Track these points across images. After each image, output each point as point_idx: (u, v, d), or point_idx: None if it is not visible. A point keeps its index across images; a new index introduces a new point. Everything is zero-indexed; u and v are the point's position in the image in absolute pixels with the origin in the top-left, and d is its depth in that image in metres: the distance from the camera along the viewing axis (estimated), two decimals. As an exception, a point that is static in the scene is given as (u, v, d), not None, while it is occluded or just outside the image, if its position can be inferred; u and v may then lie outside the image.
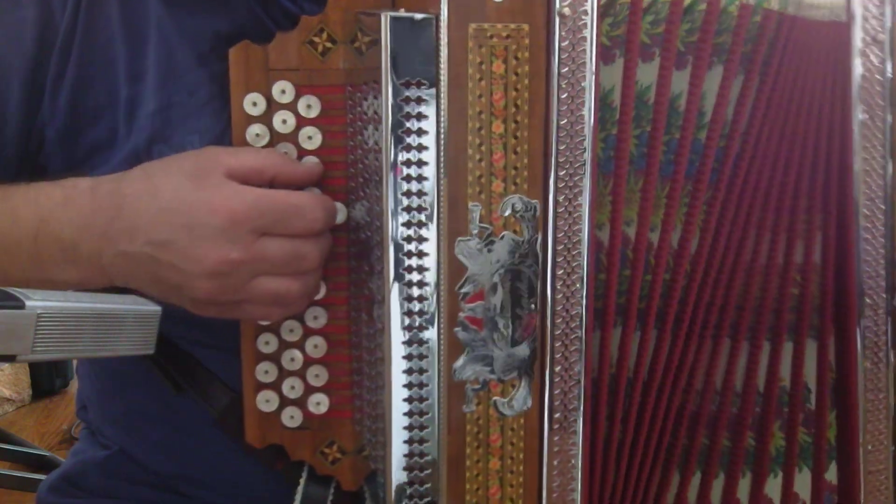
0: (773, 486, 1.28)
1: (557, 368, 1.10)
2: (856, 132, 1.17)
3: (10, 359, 0.83)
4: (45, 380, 3.77)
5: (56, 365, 3.73)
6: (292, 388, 1.16)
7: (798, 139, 1.16)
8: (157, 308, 1.00)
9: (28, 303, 0.82)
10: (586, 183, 1.07)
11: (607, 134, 1.13)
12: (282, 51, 1.10)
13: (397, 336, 1.07)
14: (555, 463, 1.12)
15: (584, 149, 1.07)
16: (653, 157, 1.14)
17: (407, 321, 1.07)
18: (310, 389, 1.16)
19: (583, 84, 1.06)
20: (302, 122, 1.11)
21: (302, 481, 1.19)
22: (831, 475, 1.28)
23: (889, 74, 1.16)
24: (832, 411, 1.26)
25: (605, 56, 1.11)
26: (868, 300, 1.20)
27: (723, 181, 1.15)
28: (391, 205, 1.05)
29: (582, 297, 1.09)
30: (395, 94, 1.03)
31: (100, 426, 1.40)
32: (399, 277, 1.06)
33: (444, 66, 1.03)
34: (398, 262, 1.06)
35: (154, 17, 1.15)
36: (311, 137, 1.11)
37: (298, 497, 1.19)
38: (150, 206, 1.01)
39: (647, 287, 1.17)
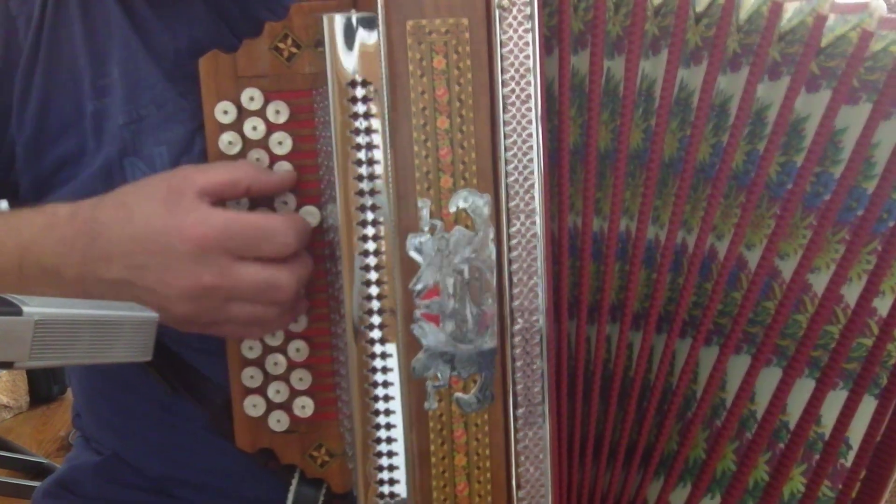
0: None
1: (519, 363, 1.09)
2: None
3: (7, 366, 0.82)
4: (43, 387, 3.84)
5: (54, 372, 3.79)
6: (277, 392, 1.17)
7: None
8: (155, 315, 1.01)
9: (25, 309, 0.81)
10: (537, 176, 1.06)
11: (717, 140, 1.12)
12: (249, 58, 1.12)
13: (358, 337, 1.08)
14: (522, 459, 1.11)
15: (533, 144, 1.06)
16: (760, 175, 1.11)
17: (368, 320, 1.08)
18: (294, 393, 1.17)
19: (528, 77, 1.05)
20: (272, 127, 1.12)
21: (293, 483, 1.20)
22: None
23: None
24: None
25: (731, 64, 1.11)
26: None
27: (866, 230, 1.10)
28: (345, 205, 1.06)
29: (539, 290, 1.08)
30: (342, 94, 1.04)
31: (93, 431, 1.43)
32: (358, 277, 1.07)
33: (384, 64, 1.04)
34: (355, 262, 1.06)
35: (118, 35, 1.18)
36: (282, 143, 1.12)
37: (290, 499, 1.20)
38: (124, 232, 1.04)
39: (704, 296, 1.16)
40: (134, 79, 1.18)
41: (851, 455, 1.18)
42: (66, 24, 1.19)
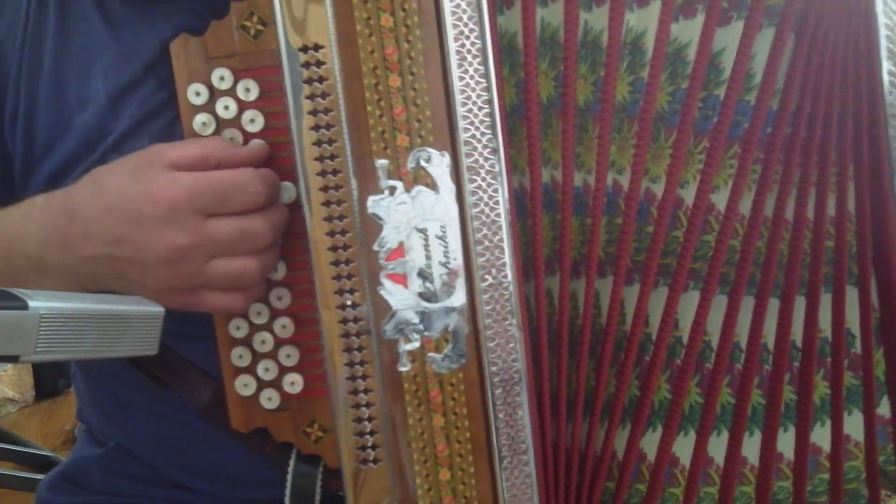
0: (822, 434, 1.23)
1: (490, 321, 1.08)
2: (885, 82, 1.12)
3: (13, 359, 0.84)
4: (49, 380, 3.85)
5: (59, 366, 3.79)
6: (266, 370, 1.17)
7: (823, 94, 1.12)
8: (161, 309, 1.02)
9: (31, 304, 0.83)
10: (497, 133, 1.06)
11: (636, 78, 1.13)
12: (217, 38, 1.12)
13: (329, 302, 1.08)
14: (501, 416, 1.09)
15: (489, 99, 1.05)
16: (687, 113, 1.13)
17: (337, 285, 1.08)
18: (283, 370, 1.17)
19: (478, 31, 1.05)
20: (243, 105, 1.12)
21: (292, 461, 1.20)
22: (884, 409, 1.23)
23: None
24: (878, 350, 1.21)
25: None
26: None
27: (754, 141, 1.13)
28: (306, 173, 1.07)
29: (505, 246, 1.07)
30: (294, 61, 1.05)
31: (96, 424, 1.44)
32: (325, 244, 1.07)
33: (331, 25, 1.04)
34: (322, 229, 1.07)
35: (100, 41, 1.21)
36: (254, 120, 1.12)
37: (290, 476, 1.20)
38: (98, 207, 1.05)
39: (674, 243, 1.16)
40: (117, 83, 1.20)
41: (858, 341, 1.21)
42: (42, 40, 1.22)
